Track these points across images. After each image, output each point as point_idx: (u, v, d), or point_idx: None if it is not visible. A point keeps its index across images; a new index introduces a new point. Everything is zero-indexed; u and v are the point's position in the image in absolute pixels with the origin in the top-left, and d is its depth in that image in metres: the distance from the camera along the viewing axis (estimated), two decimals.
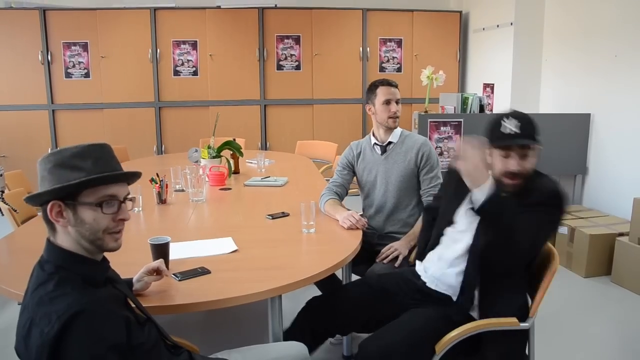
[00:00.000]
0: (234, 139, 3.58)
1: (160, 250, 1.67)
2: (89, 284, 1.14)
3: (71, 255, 1.16)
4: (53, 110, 5.46)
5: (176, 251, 1.81)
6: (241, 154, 3.48)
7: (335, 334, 2.26)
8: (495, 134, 1.70)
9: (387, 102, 2.45)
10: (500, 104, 4.83)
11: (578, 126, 4.28)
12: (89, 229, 1.16)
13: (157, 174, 2.70)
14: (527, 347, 1.78)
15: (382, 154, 2.51)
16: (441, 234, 1.92)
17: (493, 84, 5.22)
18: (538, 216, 1.62)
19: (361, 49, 5.76)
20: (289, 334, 1.86)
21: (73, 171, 1.15)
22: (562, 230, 3.71)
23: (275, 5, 5.64)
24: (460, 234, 1.83)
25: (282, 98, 5.76)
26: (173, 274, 1.64)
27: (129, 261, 1.50)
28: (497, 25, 5.18)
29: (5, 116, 5.38)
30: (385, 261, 2.24)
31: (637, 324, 2.89)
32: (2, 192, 4.18)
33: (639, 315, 3.00)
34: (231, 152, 3.46)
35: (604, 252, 3.50)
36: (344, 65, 5.77)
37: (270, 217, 2.37)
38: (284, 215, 2.40)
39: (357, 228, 2.17)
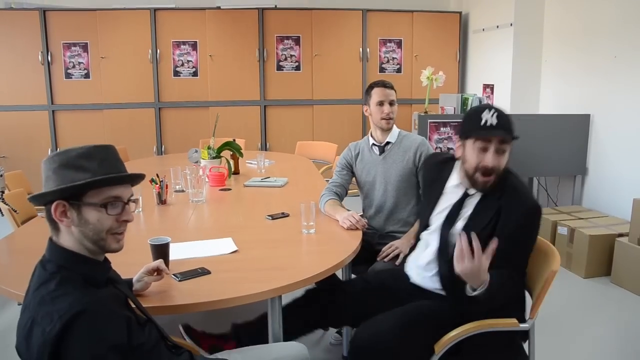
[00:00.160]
0: (234, 140, 3.57)
1: (161, 251, 1.68)
2: (91, 284, 1.15)
3: (73, 255, 1.17)
4: (53, 111, 5.46)
5: (176, 252, 1.81)
6: (241, 154, 3.48)
7: (327, 327, 2.25)
8: (474, 125, 1.69)
9: (381, 104, 2.45)
10: (500, 105, 4.81)
11: (578, 127, 4.28)
12: (93, 229, 1.17)
13: (157, 175, 2.70)
14: (527, 347, 1.78)
15: (380, 155, 2.51)
16: (419, 238, 1.94)
17: (493, 85, 5.23)
18: (522, 241, 1.66)
19: (361, 49, 5.76)
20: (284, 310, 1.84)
21: (78, 172, 1.15)
22: (562, 230, 3.72)
23: (275, 6, 5.64)
24: (430, 235, 1.84)
25: (282, 99, 5.77)
26: (173, 275, 1.64)
27: (129, 261, 1.50)
28: (497, 26, 5.18)
29: (5, 117, 5.38)
30: (386, 259, 2.25)
31: (637, 325, 2.89)
32: (2, 192, 4.18)
33: (639, 316, 3.00)
34: (231, 153, 3.46)
35: (604, 252, 3.50)
36: (343, 65, 5.77)
37: (270, 218, 2.38)
38: (284, 215, 2.40)
39: (357, 228, 2.17)
